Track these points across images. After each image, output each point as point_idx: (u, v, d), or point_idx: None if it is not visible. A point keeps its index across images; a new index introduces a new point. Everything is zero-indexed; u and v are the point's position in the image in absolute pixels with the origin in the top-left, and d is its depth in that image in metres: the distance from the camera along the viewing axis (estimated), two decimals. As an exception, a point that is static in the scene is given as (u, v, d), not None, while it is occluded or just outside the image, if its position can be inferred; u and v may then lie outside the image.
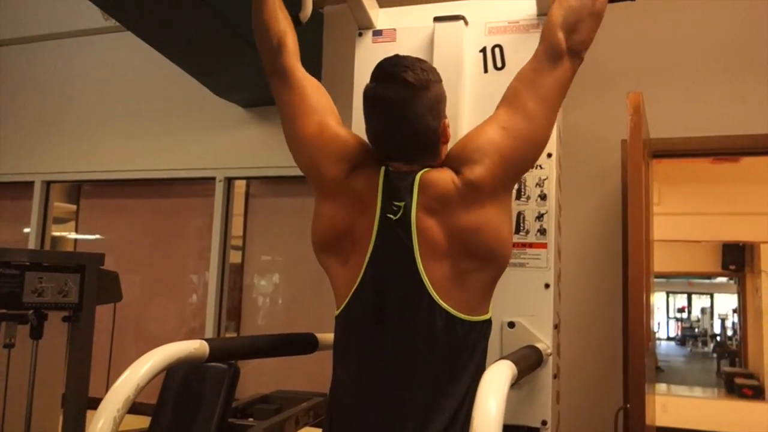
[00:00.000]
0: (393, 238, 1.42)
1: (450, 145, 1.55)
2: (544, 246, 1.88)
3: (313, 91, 1.62)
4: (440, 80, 1.49)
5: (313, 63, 3.51)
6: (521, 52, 1.90)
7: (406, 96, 1.41)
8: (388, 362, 1.42)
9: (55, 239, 4.31)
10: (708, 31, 2.94)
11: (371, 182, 1.48)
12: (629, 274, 2.29)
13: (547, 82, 1.47)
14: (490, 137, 1.44)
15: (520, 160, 1.47)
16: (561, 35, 1.47)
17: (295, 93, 1.61)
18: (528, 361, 1.55)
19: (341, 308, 1.50)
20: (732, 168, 5.36)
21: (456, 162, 1.45)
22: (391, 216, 1.43)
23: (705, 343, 19.19)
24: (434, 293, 1.38)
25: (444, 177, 1.43)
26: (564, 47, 1.47)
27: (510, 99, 1.49)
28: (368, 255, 1.44)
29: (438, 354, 1.39)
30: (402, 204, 1.42)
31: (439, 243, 1.40)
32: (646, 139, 2.59)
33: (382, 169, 1.48)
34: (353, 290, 1.46)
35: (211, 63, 3.20)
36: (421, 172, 1.45)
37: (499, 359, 1.29)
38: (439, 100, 1.48)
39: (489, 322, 1.48)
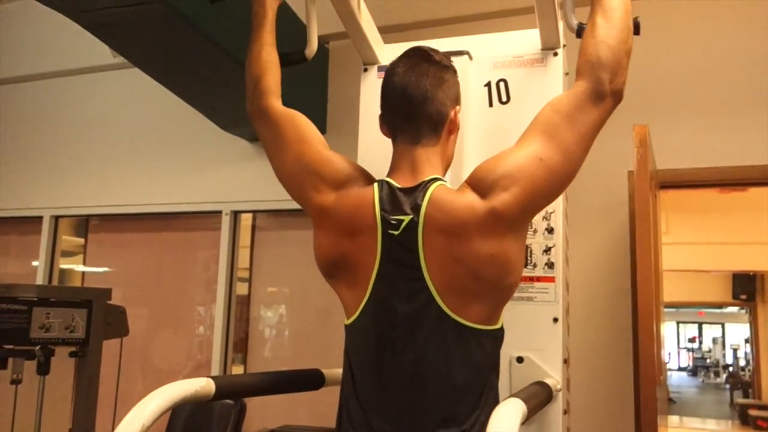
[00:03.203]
0: (398, 254, 1.38)
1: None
2: (552, 280, 1.86)
3: (288, 124, 1.62)
4: (456, 74, 1.55)
5: (318, 97, 3.53)
6: (526, 86, 1.91)
7: (427, 65, 1.48)
8: (401, 378, 1.39)
9: (63, 272, 4.32)
10: (713, 63, 2.94)
11: (363, 199, 1.44)
12: (639, 308, 2.27)
13: (588, 120, 1.42)
14: (523, 165, 1.37)
15: (549, 194, 1.42)
16: (605, 76, 1.42)
17: (271, 130, 1.64)
18: (538, 399, 1.53)
19: (351, 320, 1.46)
20: (740, 197, 5.33)
21: (481, 185, 1.38)
22: (393, 232, 1.38)
23: (717, 374, 19.01)
24: (444, 306, 1.35)
25: (463, 200, 1.37)
26: (608, 89, 1.43)
27: (548, 131, 1.40)
28: (374, 274, 1.40)
29: (452, 365, 1.36)
30: (405, 219, 1.38)
31: (447, 263, 1.35)
32: (653, 171, 2.58)
33: (376, 184, 1.45)
34: (361, 308, 1.43)
35: (217, 98, 3.22)
36: (433, 186, 1.40)
37: (509, 397, 1.27)
38: (454, 86, 1.52)
39: (501, 330, 1.45)
